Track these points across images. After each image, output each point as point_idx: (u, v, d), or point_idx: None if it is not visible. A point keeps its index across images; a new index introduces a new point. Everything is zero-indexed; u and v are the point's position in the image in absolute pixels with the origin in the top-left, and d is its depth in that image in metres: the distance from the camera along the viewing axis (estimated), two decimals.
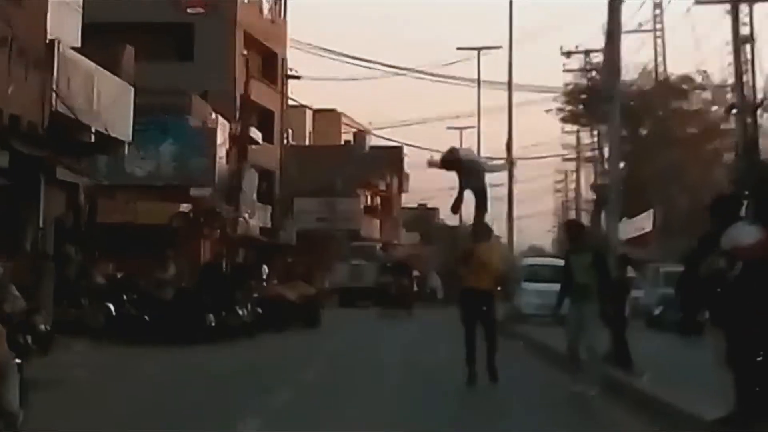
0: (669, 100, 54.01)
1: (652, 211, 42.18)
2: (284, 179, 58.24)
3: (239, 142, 42.10)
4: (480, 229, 17.11)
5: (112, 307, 22.95)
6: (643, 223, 43.60)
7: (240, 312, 25.08)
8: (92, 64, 25.03)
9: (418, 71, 61.60)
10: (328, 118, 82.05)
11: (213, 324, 23.29)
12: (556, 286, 15.66)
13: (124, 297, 23.89)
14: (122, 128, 27.42)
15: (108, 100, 25.90)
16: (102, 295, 23.66)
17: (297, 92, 56.04)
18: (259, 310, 26.92)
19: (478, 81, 47.22)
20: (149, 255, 28.74)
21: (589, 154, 61.57)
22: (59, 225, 24.73)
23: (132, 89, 28.35)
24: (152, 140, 39.15)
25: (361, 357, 21.96)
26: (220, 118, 43.57)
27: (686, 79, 53.33)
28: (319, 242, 61.81)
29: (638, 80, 56.71)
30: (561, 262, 27.04)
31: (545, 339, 22.48)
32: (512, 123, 34.46)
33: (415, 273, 53.89)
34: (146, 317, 22.88)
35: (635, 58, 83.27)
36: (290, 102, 61.18)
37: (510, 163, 34.51)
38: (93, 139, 25.12)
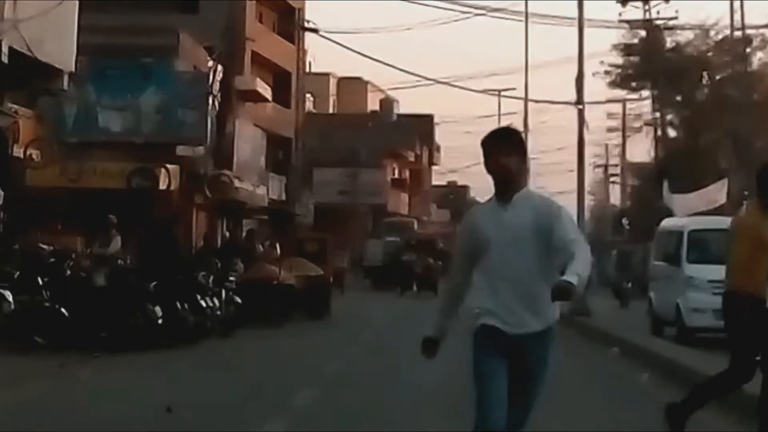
0: (729, 62, 47.47)
1: (726, 180, 35.11)
2: (303, 148, 51.68)
3: (224, 87, 34.86)
4: None
5: (9, 296, 15.69)
6: (716, 195, 36.53)
7: (204, 303, 17.77)
8: None
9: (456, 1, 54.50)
10: (353, 86, 78.48)
11: (161, 321, 16.08)
12: None
13: (40, 281, 16.61)
14: (59, 52, 20.68)
15: (32, 10, 19.02)
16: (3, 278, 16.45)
17: (321, 58, 50.95)
18: (238, 300, 19.72)
19: (526, 14, 40.41)
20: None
21: (649, 117, 54.57)
22: None
23: (77, 4, 21.50)
24: (130, 88, 32.61)
25: (375, 385, 14.33)
26: (220, 68, 36.81)
27: (748, 39, 46.51)
28: (340, 217, 57.60)
29: (694, 41, 51.87)
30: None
31: None
32: (582, 54, 27.23)
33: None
34: (63, 310, 15.73)
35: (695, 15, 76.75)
36: (313, 69, 55.79)
37: (580, 107, 27.19)
38: (6, 60, 18.19)
